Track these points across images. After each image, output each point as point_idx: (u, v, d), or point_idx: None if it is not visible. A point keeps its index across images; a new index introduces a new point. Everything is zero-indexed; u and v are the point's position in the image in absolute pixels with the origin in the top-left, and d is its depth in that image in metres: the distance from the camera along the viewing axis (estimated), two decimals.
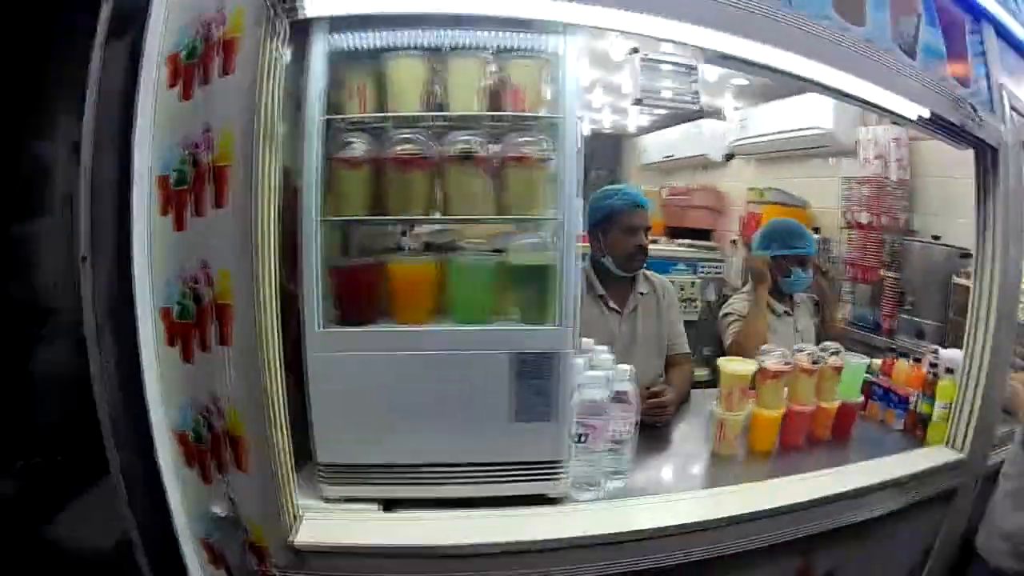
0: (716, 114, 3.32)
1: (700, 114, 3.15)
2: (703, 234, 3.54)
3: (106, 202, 1.37)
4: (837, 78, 1.71)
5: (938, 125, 1.91)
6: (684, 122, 3.56)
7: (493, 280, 1.45)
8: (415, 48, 1.45)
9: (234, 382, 1.29)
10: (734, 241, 3.34)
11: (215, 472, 1.34)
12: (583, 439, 1.47)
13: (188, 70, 1.37)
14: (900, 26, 1.88)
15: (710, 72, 2.85)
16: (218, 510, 1.36)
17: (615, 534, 1.42)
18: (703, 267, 3.03)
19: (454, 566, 1.36)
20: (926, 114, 1.85)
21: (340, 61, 1.43)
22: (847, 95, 1.79)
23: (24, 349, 2.91)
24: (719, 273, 3.08)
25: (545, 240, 1.45)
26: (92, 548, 2.09)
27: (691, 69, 2.82)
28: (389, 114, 1.44)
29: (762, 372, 1.77)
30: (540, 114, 1.47)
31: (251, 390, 1.28)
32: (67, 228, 2.93)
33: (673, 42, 1.52)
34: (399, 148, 1.42)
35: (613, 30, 1.49)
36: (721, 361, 1.80)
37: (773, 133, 3.03)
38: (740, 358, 1.82)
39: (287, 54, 1.36)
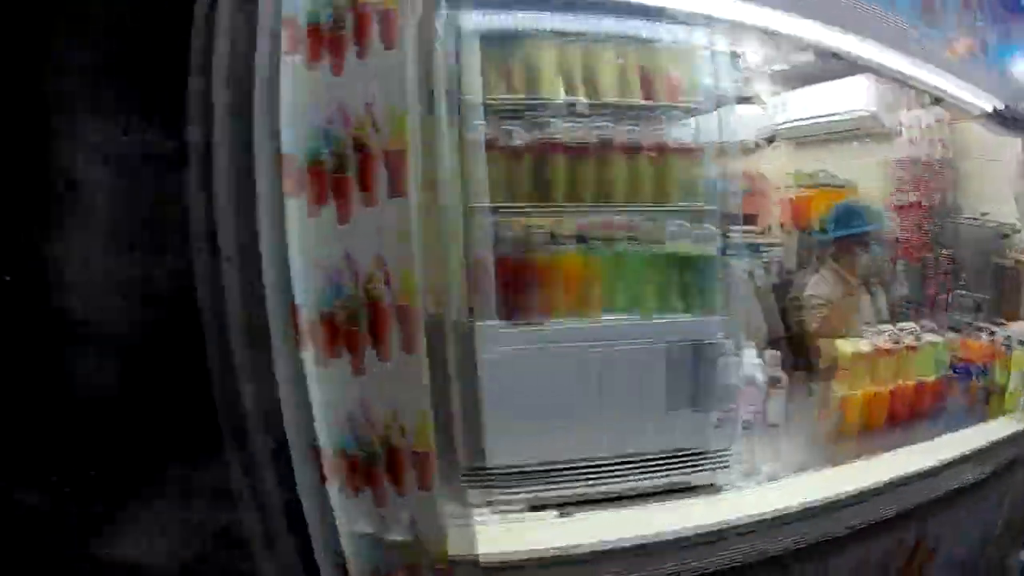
0: (754, 99, 3.35)
1: (740, 100, 3.17)
2: (748, 219, 3.55)
3: (237, 193, 1.20)
4: (928, 76, 1.78)
5: (1004, 115, 2.01)
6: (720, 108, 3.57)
7: (656, 271, 1.40)
8: (567, 33, 1.39)
9: (420, 392, 1.17)
10: (781, 224, 3.38)
11: (392, 494, 1.21)
12: (747, 426, 1.45)
13: (330, 41, 1.20)
14: (968, 25, 1.97)
15: (748, 58, 2.86)
16: (392, 535, 1.23)
17: (787, 514, 1.43)
18: (765, 251, 3.06)
19: (635, 563, 1.31)
20: (998, 105, 1.94)
21: (492, 42, 1.33)
22: (935, 89, 1.86)
23: (58, 363, 2.64)
24: (778, 257, 3.12)
25: (704, 230, 1.42)
26: (153, 569, 1.91)
27: (736, 56, 2.84)
28: (556, 99, 1.36)
29: (876, 351, 1.80)
30: (694, 105, 1.44)
31: (443, 400, 1.17)
32: (101, 235, 2.68)
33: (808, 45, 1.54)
34: (558, 135, 1.35)
35: (759, 27, 1.48)
36: (839, 343, 1.83)
37: (815, 117, 3.08)
38: (855, 339, 1.85)
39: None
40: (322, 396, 1.19)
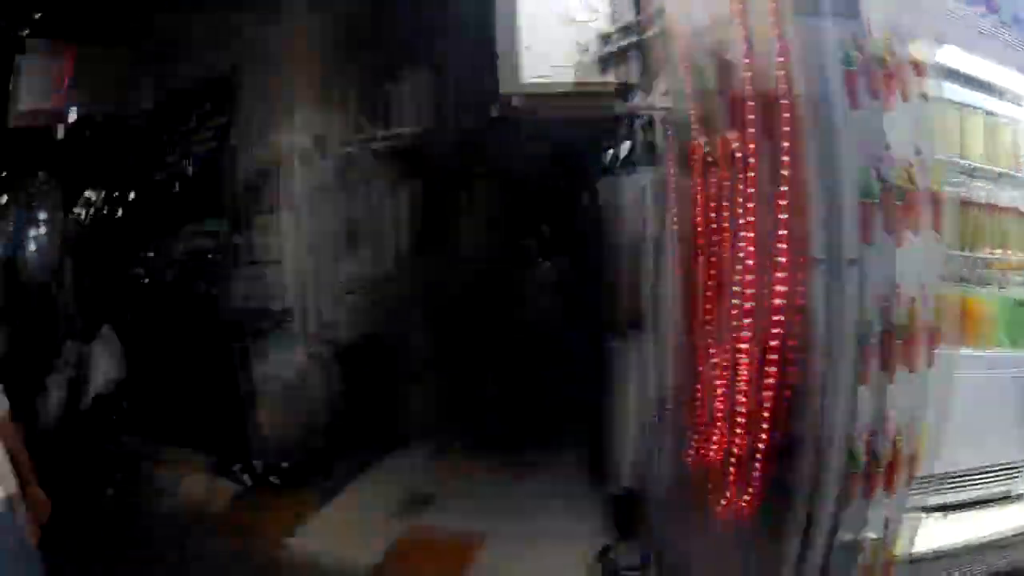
0: None
1: None
2: None
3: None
4: None
5: None
6: None
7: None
8: (969, 106, 1.65)
9: (929, 401, 1.34)
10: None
11: (880, 494, 1.35)
12: None
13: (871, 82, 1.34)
14: None
15: None
16: (866, 534, 1.36)
17: None
18: None
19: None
20: None
21: None
22: None
23: (250, 353, 2.46)
24: None
25: None
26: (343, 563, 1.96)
27: None
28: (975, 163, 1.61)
29: None
30: None
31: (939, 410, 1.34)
32: (310, 225, 2.61)
33: None
34: (976, 193, 1.60)
35: None
36: None
37: None
38: None
39: None
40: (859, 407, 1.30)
